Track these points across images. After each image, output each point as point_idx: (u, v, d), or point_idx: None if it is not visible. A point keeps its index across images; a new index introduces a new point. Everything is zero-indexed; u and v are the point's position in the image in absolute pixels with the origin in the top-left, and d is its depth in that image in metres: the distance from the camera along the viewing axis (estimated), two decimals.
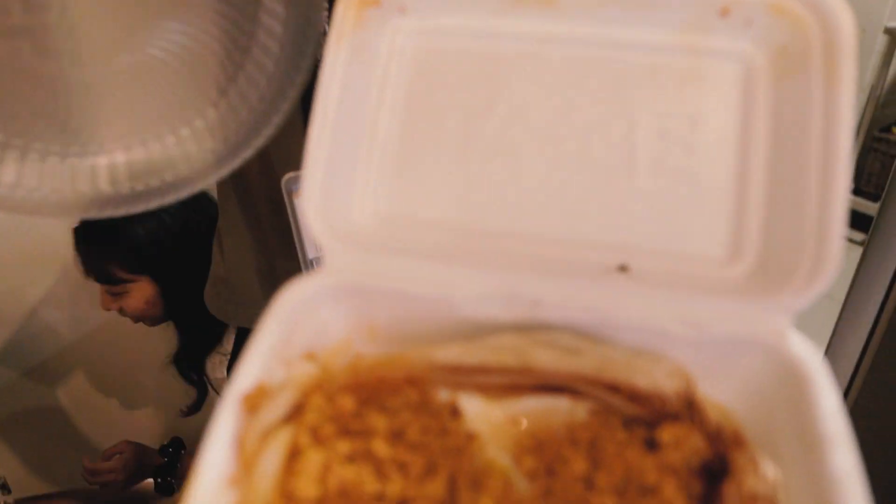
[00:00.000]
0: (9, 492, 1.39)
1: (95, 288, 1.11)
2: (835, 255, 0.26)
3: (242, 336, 0.91)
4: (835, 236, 0.26)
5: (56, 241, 1.25)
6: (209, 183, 0.41)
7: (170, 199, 0.41)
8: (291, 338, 0.29)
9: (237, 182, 0.72)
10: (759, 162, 0.28)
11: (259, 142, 0.39)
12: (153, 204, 0.40)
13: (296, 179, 0.63)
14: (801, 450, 0.25)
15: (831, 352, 0.79)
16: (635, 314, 0.28)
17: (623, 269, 0.28)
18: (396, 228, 0.31)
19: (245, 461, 0.25)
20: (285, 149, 0.63)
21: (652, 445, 0.27)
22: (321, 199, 0.30)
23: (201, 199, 1.07)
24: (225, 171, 0.40)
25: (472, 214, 0.30)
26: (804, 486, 0.24)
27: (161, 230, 1.04)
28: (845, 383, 0.79)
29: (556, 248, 0.29)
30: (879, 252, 0.74)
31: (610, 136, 0.29)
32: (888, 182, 0.73)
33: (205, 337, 1.09)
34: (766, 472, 0.25)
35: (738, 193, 0.28)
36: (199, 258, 0.95)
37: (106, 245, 1.04)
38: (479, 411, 0.29)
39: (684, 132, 0.29)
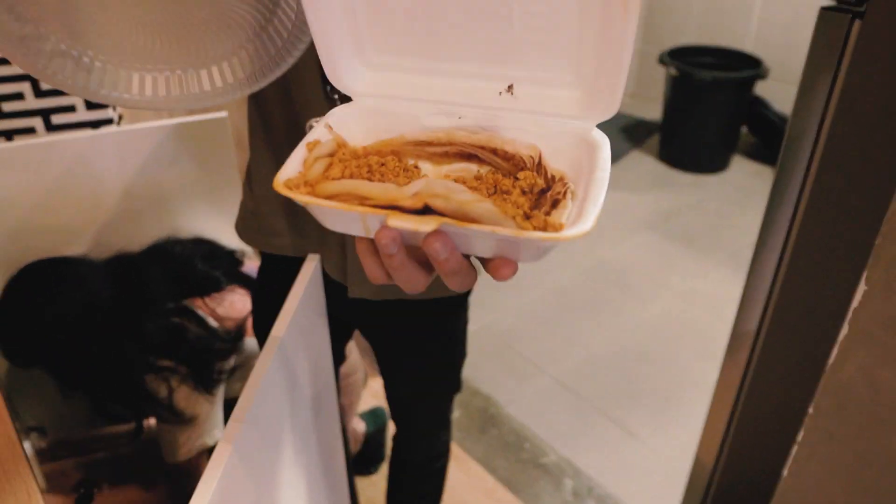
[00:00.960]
0: (45, 434, 1.59)
1: None
2: (616, 98, 0.51)
3: (267, 262, 1.13)
4: (619, 84, 0.50)
5: None
6: (254, 90, 0.66)
7: (227, 99, 0.66)
8: (332, 132, 0.54)
9: (265, 123, 0.97)
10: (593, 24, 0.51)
11: (285, 67, 0.64)
12: (219, 101, 0.65)
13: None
14: (589, 174, 0.50)
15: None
16: (511, 119, 0.53)
17: (510, 89, 0.54)
18: (384, 79, 0.57)
19: (306, 165, 0.50)
20: (304, 96, 0.88)
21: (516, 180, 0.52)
22: (335, 69, 0.55)
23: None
24: (263, 84, 0.64)
25: (426, 65, 0.56)
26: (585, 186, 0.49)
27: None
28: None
29: (472, 80, 0.55)
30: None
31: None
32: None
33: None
34: (571, 188, 0.50)
35: (578, 47, 0.52)
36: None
37: None
38: (427, 169, 0.54)
39: None
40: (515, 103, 0.54)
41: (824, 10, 0.92)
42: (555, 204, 0.49)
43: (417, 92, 0.56)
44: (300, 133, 0.92)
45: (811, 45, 0.95)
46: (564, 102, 0.54)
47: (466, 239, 0.45)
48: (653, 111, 4.03)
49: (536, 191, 0.51)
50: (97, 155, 1.49)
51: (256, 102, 0.97)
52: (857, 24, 0.89)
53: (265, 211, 1.02)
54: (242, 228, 1.08)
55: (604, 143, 0.51)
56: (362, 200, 0.45)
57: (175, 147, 1.54)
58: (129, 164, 1.52)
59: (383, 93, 0.57)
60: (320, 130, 0.53)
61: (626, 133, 3.92)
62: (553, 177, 0.52)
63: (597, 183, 0.47)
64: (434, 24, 0.53)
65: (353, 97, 0.57)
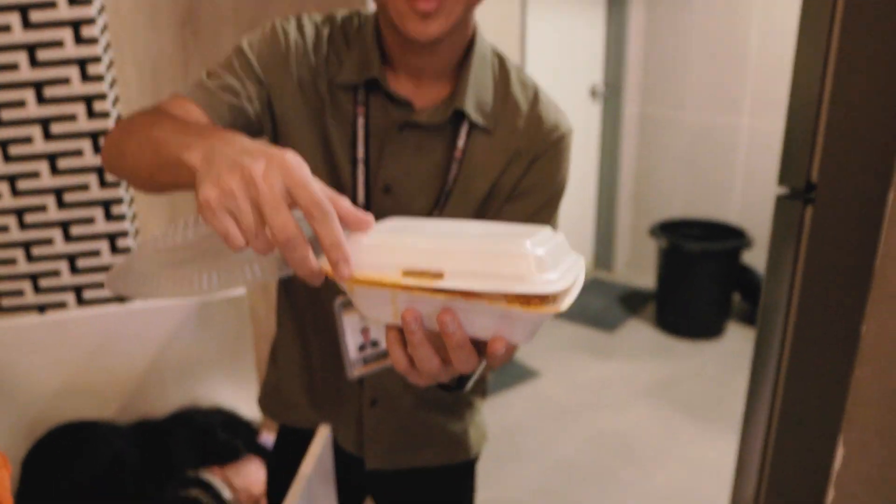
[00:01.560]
0: None
1: None
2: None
3: (284, 433, 1.19)
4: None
5: None
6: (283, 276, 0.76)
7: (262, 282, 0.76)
8: None
9: (292, 306, 1.07)
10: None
11: None
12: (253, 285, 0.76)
13: (344, 302, 0.97)
14: None
15: None
16: None
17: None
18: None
19: None
20: (327, 282, 0.98)
21: None
22: None
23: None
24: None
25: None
26: None
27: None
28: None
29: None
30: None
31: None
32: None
33: None
34: None
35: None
36: None
37: None
38: None
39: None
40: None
41: (780, 199, 1.05)
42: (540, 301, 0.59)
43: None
44: (320, 315, 1.03)
45: (772, 229, 1.08)
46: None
47: (470, 317, 0.56)
48: (647, 280, 4.18)
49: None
50: (125, 328, 1.58)
51: (285, 289, 1.08)
52: (809, 208, 1.02)
53: (287, 386, 1.11)
54: (265, 402, 1.16)
55: (580, 261, 0.63)
56: (395, 286, 0.57)
57: (198, 322, 1.64)
58: (154, 337, 1.62)
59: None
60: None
61: (623, 302, 4.05)
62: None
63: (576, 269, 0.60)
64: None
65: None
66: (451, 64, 0.93)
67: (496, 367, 0.64)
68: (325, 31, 0.95)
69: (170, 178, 0.67)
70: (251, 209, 0.54)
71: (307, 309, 1.05)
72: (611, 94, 4.03)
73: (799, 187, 1.01)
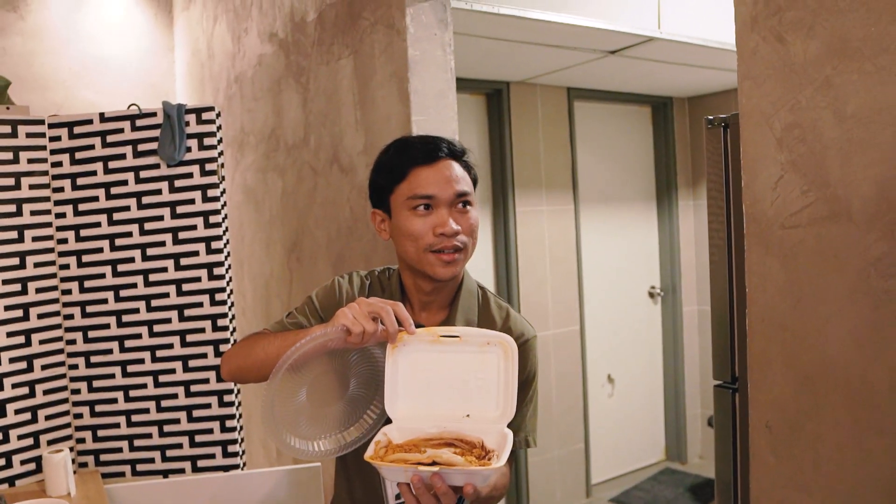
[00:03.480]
0: None
1: None
2: (510, 415, 1.06)
3: None
4: (511, 410, 1.06)
5: None
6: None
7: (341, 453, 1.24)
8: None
9: (346, 471, 1.49)
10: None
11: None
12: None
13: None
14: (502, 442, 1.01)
15: None
16: (469, 428, 1.07)
17: (468, 416, 1.08)
18: (407, 414, 1.13)
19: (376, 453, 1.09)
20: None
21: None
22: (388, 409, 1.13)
23: None
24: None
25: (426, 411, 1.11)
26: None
27: None
28: None
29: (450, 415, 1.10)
30: None
31: None
32: None
33: None
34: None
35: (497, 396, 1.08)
36: None
37: None
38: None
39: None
40: (472, 423, 1.10)
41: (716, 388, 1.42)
42: (489, 459, 1.02)
43: (421, 422, 1.12)
44: (370, 476, 1.45)
45: None
46: (491, 419, 1.09)
47: (450, 476, 1.01)
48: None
49: (478, 455, 1.04)
50: (227, 491, 2.03)
51: (342, 460, 1.50)
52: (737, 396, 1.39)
53: None
54: None
55: (509, 433, 1.08)
56: (406, 462, 1.01)
57: (284, 487, 2.07)
58: (249, 500, 2.05)
59: (406, 420, 1.12)
60: (380, 436, 1.09)
61: (694, 492, 4.16)
62: (488, 449, 1.05)
63: (507, 444, 1.05)
64: (431, 395, 1.12)
65: (393, 420, 1.14)
66: (448, 297, 1.40)
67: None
68: (367, 283, 1.45)
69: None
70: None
71: (356, 474, 1.47)
72: (668, 295, 4.42)
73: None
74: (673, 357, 4.46)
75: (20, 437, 2.03)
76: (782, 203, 1.11)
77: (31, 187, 2.06)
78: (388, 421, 1.21)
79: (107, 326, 2.11)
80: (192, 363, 2.12)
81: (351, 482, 1.48)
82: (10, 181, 2.02)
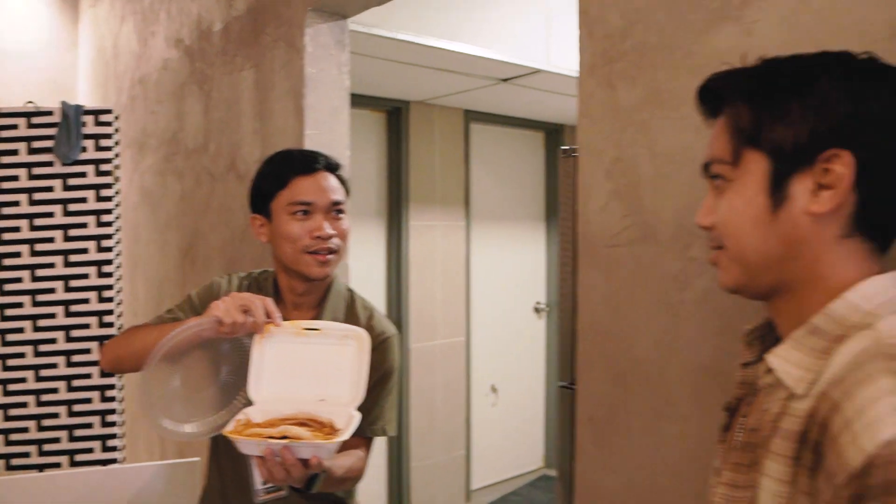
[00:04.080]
0: None
1: None
2: (360, 398, 1.19)
3: None
4: (361, 394, 1.19)
5: None
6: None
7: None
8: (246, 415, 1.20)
9: (217, 457, 1.58)
10: None
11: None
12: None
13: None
14: (348, 423, 1.14)
15: None
16: (323, 411, 1.19)
17: (323, 401, 1.20)
18: (267, 399, 1.25)
19: (237, 429, 1.18)
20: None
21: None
22: (251, 393, 1.24)
23: None
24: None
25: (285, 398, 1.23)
26: None
27: None
28: None
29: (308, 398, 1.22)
30: None
31: None
32: None
33: None
34: None
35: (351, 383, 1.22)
36: None
37: None
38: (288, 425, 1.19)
39: None
40: (326, 406, 1.23)
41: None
42: (335, 433, 1.14)
43: (280, 405, 1.23)
44: (239, 460, 1.55)
45: None
46: (343, 403, 1.22)
47: (298, 449, 1.12)
48: None
49: (328, 433, 1.17)
50: (105, 486, 2.07)
51: (214, 444, 1.60)
52: None
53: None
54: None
55: (356, 415, 1.20)
56: (259, 436, 1.12)
57: (161, 481, 2.13)
58: (126, 494, 2.10)
59: (267, 403, 1.24)
60: (240, 415, 1.20)
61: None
62: (336, 428, 1.18)
63: (353, 423, 1.17)
64: (292, 381, 1.24)
65: (255, 403, 1.25)
66: (318, 298, 1.53)
67: (333, 482, 1.26)
68: (245, 283, 1.57)
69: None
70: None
71: (227, 460, 1.57)
72: (553, 310, 4.67)
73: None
74: (555, 369, 4.70)
75: None
76: (607, 225, 1.30)
77: None
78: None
79: None
80: (75, 358, 2.16)
81: (222, 469, 1.58)
82: None
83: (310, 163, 1.47)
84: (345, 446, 1.43)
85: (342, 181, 1.51)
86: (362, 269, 3.60)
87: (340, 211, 1.48)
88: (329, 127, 2.22)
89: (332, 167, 1.50)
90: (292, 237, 1.44)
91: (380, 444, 3.84)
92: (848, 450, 0.61)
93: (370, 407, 1.46)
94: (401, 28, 2.56)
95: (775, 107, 0.75)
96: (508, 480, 4.48)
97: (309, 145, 2.16)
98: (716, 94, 0.81)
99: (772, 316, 0.82)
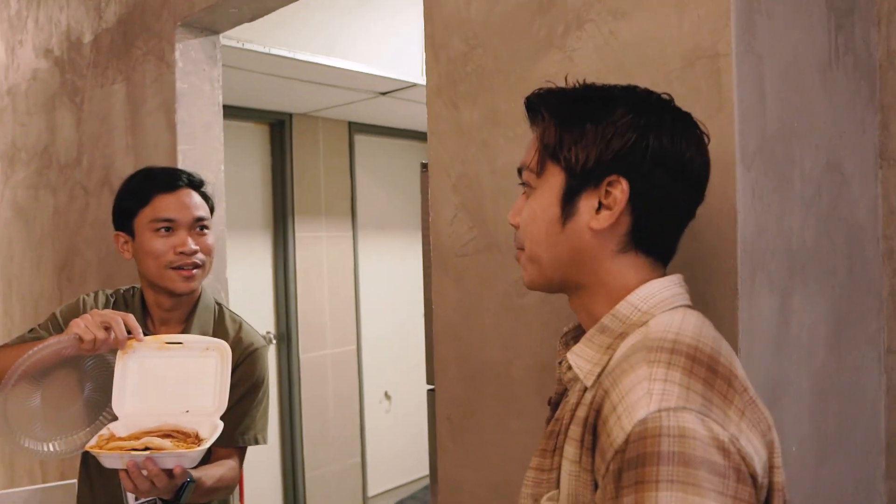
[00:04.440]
0: None
1: None
2: (223, 408, 1.24)
3: None
4: (224, 404, 1.23)
5: None
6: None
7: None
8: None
9: (88, 476, 1.58)
10: None
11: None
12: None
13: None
14: (213, 431, 1.18)
15: None
16: (188, 423, 1.23)
17: (188, 412, 1.25)
18: (131, 412, 1.27)
19: (99, 443, 1.22)
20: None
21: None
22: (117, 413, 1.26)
23: None
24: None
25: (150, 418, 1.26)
26: None
27: None
28: None
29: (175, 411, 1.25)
30: None
31: None
32: None
33: None
34: None
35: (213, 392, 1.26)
36: None
37: None
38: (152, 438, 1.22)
39: None
40: (190, 417, 1.27)
41: None
42: (199, 443, 1.18)
43: (145, 418, 1.26)
44: (111, 477, 1.55)
45: None
46: (207, 413, 1.25)
47: (161, 459, 1.15)
48: None
49: (193, 443, 1.20)
50: None
51: (84, 463, 1.59)
52: None
53: None
54: None
55: (219, 423, 1.24)
56: (121, 449, 1.15)
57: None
58: None
59: (132, 417, 1.26)
60: (104, 431, 1.23)
61: None
62: (201, 438, 1.21)
63: (216, 432, 1.22)
64: (156, 394, 1.27)
65: (120, 418, 1.27)
66: (186, 313, 1.56)
67: (204, 492, 1.30)
68: (112, 300, 1.58)
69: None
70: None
71: (99, 481, 1.56)
72: None
73: None
74: None
75: None
76: (456, 236, 1.40)
77: None
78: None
79: None
80: None
81: (94, 488, 1.58)
82: None
83: (172, 180, 1.50)
84: (216, 457, 1.47)
85: (206, 198, 1.54)
86: (249, 281, 3.60)
87: (204, 227, 1.51)
88: (202, 142, 2.23)
89: (196, 184, 1.53)
90: (156, 253, 1.46)
91: (273, 454, 3.88)
92: (614, 430, 0.72)
93: (241, 417, 1.50)
94: (275, 43, 2.60)
95: (575, 129, 0.84)
96: (405, 486, 4.55)
97: (182, 160, 2.17)
98: (535, 109, 0.91)
99: (575, 313, 0.93)
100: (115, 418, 1.34)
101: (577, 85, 0.90)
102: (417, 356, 4.59)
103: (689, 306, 0.85)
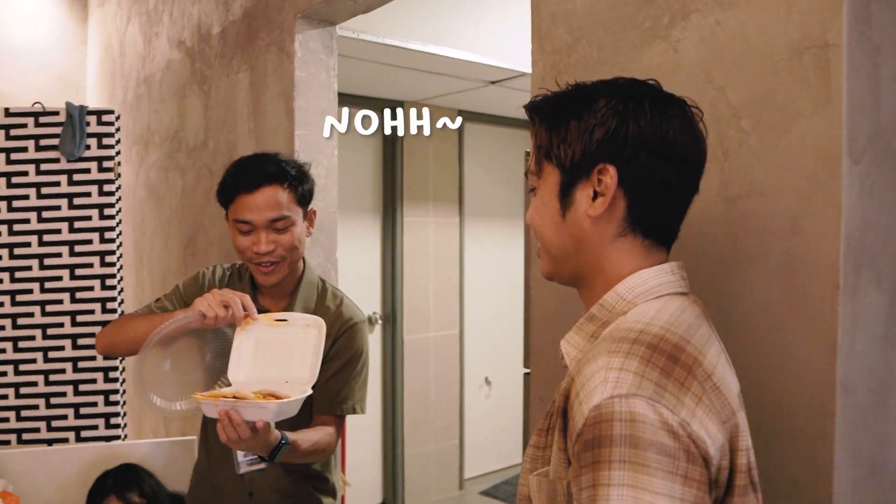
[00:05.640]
0: None
1: None
2: (313, 381, 1.33)
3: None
4: (314, 377, 1.33)
5: None
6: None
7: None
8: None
9: (206, 434, 1.72)
10: None
11: None
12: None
13: None
14: (302, 393, 1.27)
15: None
16: (287, 390, 1.34)
17: (287, 382, 1.35)
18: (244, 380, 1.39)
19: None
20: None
21: None
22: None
23: None
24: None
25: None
26: None
27: None
28: None
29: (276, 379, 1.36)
30: None
31: None
32: None
33: None
34: None
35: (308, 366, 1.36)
36: None
37: None
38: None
39: None
40: (289, 386, 1.38)
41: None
42: None
43: (252, 386, 1.38)
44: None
45: None
46: (301, 383, 1.36)
47: (244, 410, 1.26)
48: None
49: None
50: (109, 460, 2.22)
51: (203, 425, 1.73)
52: None
53: (197, 484, 1.74)
54: (192, 493, 1.78)
55: (308, 391, 1.36)
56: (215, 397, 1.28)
57: (161, 457, 2.27)
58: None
59: (243, 384, 1.39)
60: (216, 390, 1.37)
61: None
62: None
63: (300, 395, 1.33)
64: (264, 365, 1.39)
65: (233, 384, 1.42)
66: (290, 288, 1.66)
67: (299, 454, 1.41)
68: (228, 273, 1.70)
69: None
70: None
71: (213, 432, 1.70)
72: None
73: None
74: None
75: None
76: None
77: None
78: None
79: (0, 304, 2.29)
80: (80, 341, 2.31)
81: (210, 446, 1.72)
82: None
83: (254, 179, 1.55)
84: (316, 424, 1.57)
85: (299, 183, 1.60)
86: (358, 262, 3.75)
87: (283, 225, 1.56)
88: (318, 128, 2.35)
89: (281, 177, 1.56)
90: (239, 248, 1.58)
91: (374, 430, 4.06)
92: (577, 414, 0.77)
93: (340, 387, 1.60)
94: (388, 33, 2.69)
95: (561, 128, 0.90)
96: (501, 471, 4.62)
97: (299, 145, 2.29)
98: (529, 117, 0.97)
99: (583, 304, 0.97)
100: (229, 384, 1.46)
101: (567, 87, 0.95)
102: (518, 344, 4.68)
103: (678, 293, 0.88)
